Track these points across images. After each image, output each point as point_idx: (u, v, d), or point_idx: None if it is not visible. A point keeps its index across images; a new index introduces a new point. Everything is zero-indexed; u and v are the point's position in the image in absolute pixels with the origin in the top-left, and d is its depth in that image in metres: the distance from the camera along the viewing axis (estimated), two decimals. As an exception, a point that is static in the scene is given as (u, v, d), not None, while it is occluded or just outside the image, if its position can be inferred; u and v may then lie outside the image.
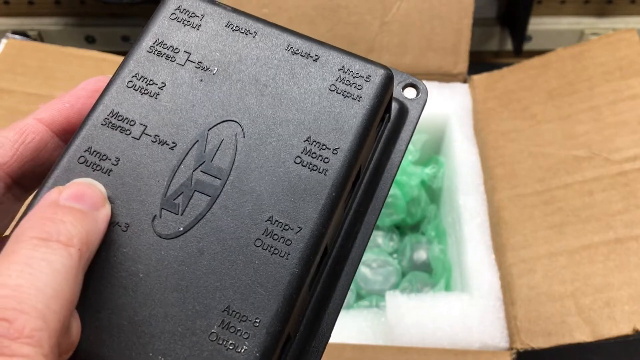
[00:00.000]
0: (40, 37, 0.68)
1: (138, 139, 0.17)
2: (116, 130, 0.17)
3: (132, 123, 0.17)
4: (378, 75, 0.18)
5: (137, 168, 0.17)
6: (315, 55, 0.18)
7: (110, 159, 0.17)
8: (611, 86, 0.40)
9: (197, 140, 0.17)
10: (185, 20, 0.18)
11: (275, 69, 0.18)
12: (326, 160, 0.17)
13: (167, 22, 0.18)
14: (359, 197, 0.19)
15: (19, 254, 0.13)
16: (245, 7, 0.45)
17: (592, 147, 0.38)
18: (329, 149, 0.17)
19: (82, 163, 0.17)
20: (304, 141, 0.17)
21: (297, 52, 0.18)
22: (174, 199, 0.16)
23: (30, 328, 0.12)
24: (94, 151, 0.17)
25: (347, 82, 0.18)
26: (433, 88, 0.45)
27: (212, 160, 0.17)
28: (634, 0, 0.65)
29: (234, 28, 0.18)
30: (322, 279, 0.18)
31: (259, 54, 0.18)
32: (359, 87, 0.18)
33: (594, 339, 0.32)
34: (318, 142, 0.17)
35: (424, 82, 0.49)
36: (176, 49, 0.18)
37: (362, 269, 0.43)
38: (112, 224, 0.16)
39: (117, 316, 0.15)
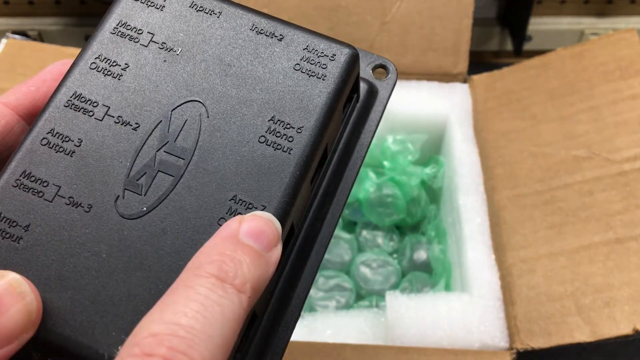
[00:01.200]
0: (41, 37, 0.68)
1: (101, 120, 0.17)
2: (79, 111, 0.17)
3: (94, 104, 0.17)
4: (343, 54, 0.18)
5: (100, 149, 0.17)
6: (280, 35, 0.18)
7: (72, 141, 0.17)
8: (611, 86, 0.40)
9: (161, 121, 0.17)
10: (149, 1, 0.18)
11: (239, 49, 0.18)
12: (290, 139, 0.17)
13: (131, 3, 0.18)
14: (327, 177, 0.19)
15: (197, 292, 0.13)
16: (245, 7, 0.45)
17: (592, 147, 0.38)
18: (293, 127, 0.17)
19: (45, 145, 0.17)
20: (269, 120, 0.17)
21: (262, 31, 0.18)
22: (137, 180, 0.16)
23: None
24: (57, 133, 0.17)
25: (312, 62, 0.18)
26: (433, 88, 0.45)
27: (175, 140, 0.17)
28: (634, 0, 0.65)
29: (198, 8, 0.18)
30: (290, 259, 0.18)
31: (223, 34, 0.18)
32: (324, 66, 0.18)
33: (594, 339, 0.32)
34: (282, 121, 0.17)
35: (424, 82, 0.49)
36: (139, 30, 0.18)
37: (362, 269, 0.43)
38: (75, 204, 0.16)
39: (80, 296, 0.15)
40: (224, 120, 0.17)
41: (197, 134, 0.17)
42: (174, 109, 0.17)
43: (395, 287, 0.42)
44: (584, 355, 0.45)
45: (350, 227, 0.47)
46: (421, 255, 0.43)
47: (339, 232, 0.45)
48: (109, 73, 0.17)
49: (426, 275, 0.43)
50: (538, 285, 0.35)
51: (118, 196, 0.16)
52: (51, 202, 0.16)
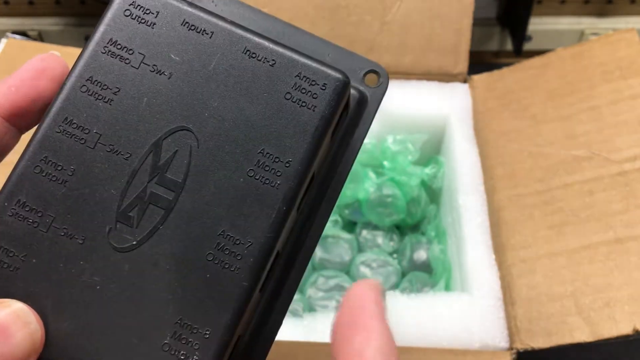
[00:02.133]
0: (41, 37, 0.68)
1: (93, 149, 0.17)
2: (71, 138, 0.17)
3: (86, 131, 0.17)
4: (333, 83, 0.17)
5: (92, 179, 0.17)
6: (272, 60, 0.17)
7: (66, 170, 0.17)
8: (611, 86, 0.40)
9: (152, 151, 0.17)
10: (140, 17, 0.18)
11: (231, 74, 0.17)
12: (278, 173, 0.17)
13: (121, 19, 0.18)
14: (313, 194, 0.19)
15: None
16: (245, 7, 0.45)
17: (592, 147, 0.38)
18: (282, 161, 0.17)
19: (38, 173, 0.16)
20: (258, 152, 0.17)
21: (254, 55, 0.17)
22: (129, 212, 0.16)
23: None
24: (50, 161, 0.17)
25: (303, 90, 0.17)
26: (433, 88, 0.45)
27: (166, 172, 0.17)
28: (634, 0, 0.65)
29: (189, 27, 0.18)
30: (272, 277, 0.18)
31: (215, 57, 0.17)
32: (315, 96, 0.17)
33: (594, 339, 0.32)
34: (271, 154, 0.17)
35: (424, 82, 0.49)
36: (130, 49, 0.17)
37: (362, 269, 0.43)
38: (69, 236, 0.16)
39: (75, 326, 0.16)
40: (214, 151, 0.17)
41: (187, 165, 0.17)
42: (165, 138, 0.17)
43: (395, 287, 0.42)
44: (584, 355, 0.45)
45: (350, 227, 0.47)
46: (421, 255, 0.43)
47: (338, 232, 0.45)
48: (100, 97, 0.17)
49: (426, 275, 0.43)
50: (538, 285, 0.35)
51: (110, 228, 0.16)
52: (46, 232, 0.16)
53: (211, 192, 0.17)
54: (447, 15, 0.45)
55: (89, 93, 0.17)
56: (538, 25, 0.67)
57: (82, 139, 0.17)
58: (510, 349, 0.34)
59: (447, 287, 0.40)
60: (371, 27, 0.46)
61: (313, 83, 0.17)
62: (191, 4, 0.18)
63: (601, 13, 0.66)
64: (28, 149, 0.17)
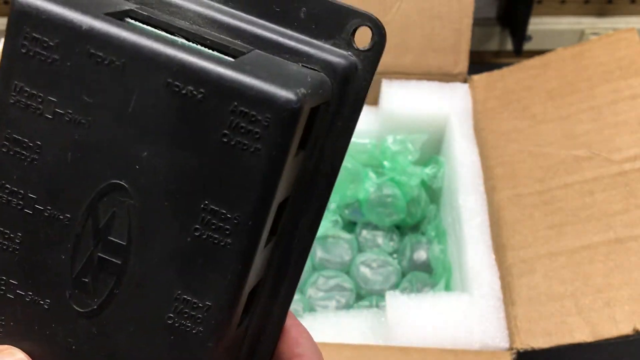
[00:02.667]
0: (41, 37, 0.68)
1: (32, 214, 0.15)
2: (9, 204, 0.15)
3: (20, 195, 0.15)
4: (279, 113, 0.13)
5: (40, 245, 0.15)
6: (200, 92, 0.14)
7: (14, 237, 0.15)
8: (611, 86, 0.40)
9: (89, 214, 0.15)
10: (39, 53, 0.14)
11: (154, 116, 0.14)
12: (227, 231, 0.14)
13: (21, 59, 0.14)
14: (291, 212, 0.17)
15: None
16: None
17: (592, 147, 0.38)
18: (230, 217, 0.14)
19: None
20: (201, 208, 0.14)
21: (178, 89, 0.14)
22: (83, 278, 0.15)
23: None
24: None
25: (242, 130, 0.14)
26: (433, 88, 0.45)
27: (109, 235, 0.15)
28: (634, 0, 0.65)
29: (98, 59, 0.14)
30: (256, 315, 0.17)
31: (133, 96, 0.14)
32: (257, 135, 0.14)
33: (594, 339, 0.32)
34: (217, 210, 0.14)
35: (425, 82, 0.49)
36: (39, 96, 0.15)
37: (362, 269, 0.43)
38: (34, 302, 0.16)
39: None
40: (153, 208, 0.15)
41: (128, 226, 0.15)
42: (99, 199, 0.15)
43: (395, 287, 0.42)
44: (584, 355, 0.45)
45: (350, 227, 0.47)
46: (421, 255, 0.43)
47: (339, 232, 0.45)
48: (24, 157, 0.15)
49: (426, 275, 0.43)
50: (538, 285, 0.35)
51: (70, 293, 0.16)
52: (14, 298, 0.16)
53: (159, 255, 0.15)
54: (447, 16, 0.45)
55: (12, 153, 0.15)
56: (538, 25, 0.67)
57: (19, 204, 0.15)
58: (510, 349, 0.34)
59: (447, 287, 0.40)
60: (371, 27, 0.46)
61: (253, 119, 0.14)
62: (100, 16, 0.14)
63: (601, 13, 0.66)
64: None
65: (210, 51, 0.15)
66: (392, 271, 0.43)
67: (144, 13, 0.15)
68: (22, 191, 0.15)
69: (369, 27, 0.15)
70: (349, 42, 0.15)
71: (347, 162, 0.45)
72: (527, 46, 0.67)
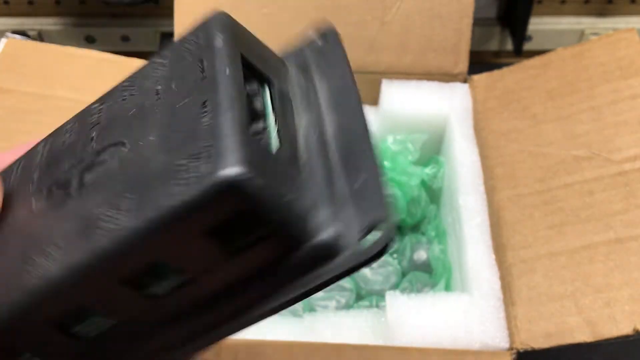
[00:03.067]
0: (40, 37, 0.68)
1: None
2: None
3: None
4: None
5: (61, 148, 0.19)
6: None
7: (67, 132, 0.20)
8: (611, 86, 0.40)
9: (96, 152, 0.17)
10: None
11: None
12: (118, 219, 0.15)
13: None
14: None
15: None
16: (245, 8, 0.45)
17: (592, 147, 0.38)
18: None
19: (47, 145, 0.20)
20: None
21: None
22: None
23: None
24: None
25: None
26: (433, 88, 0.45)
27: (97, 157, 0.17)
28: (634, 0, 0.65)
29: None
30: None
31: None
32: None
33: (594, 339, 0.32)
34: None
35: (424, 82, 0.49)
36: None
37: (362, 269, 0.43)
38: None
39: None
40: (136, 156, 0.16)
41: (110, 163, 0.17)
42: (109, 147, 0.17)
43: (395, 287, 0.42)
44: (584, 355, 0.45)
45: (350, 227, 0.47)
46: (421, 255, 0.43)
47: (339, 232, 0.45)
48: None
49: (426, 275, 0.43)
50: (538, 285, 0.35)
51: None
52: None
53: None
54: (447, 15, 0.45)
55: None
56: (538, 25, 0.67)
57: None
58: (510, 349, 0.34)
59: (447, 287, 0.40)
60: (371, 26, 0.46)
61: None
62: None
63: (601, 13, 0.66)
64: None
65: None
66: (392, 271, 0.43)
67: None
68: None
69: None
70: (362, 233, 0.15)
71: (347, 162, 0.44)
72: (527, 46, 0.67)
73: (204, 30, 0.18)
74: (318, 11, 0.45)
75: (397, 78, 0.46)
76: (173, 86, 0.16)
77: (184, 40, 0.18)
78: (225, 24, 0.17)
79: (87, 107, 0.19)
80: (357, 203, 0.15)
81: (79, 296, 0.15)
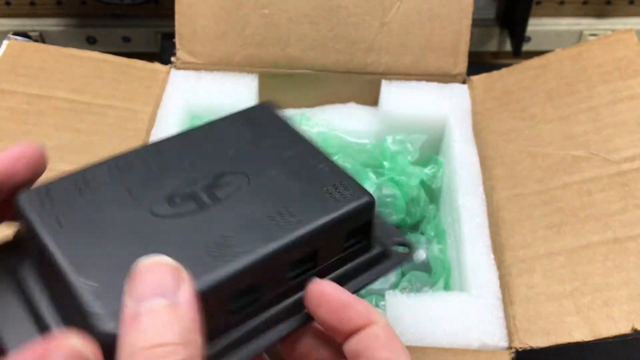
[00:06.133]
0: (42, 38, 0.68)
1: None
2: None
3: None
4: (361, 195, 0.23)
5: (169, 169, 0.23)
6: (328, 168, 0.24)
7: (158, 159, 0.23)
8: (610, 87, 0.40)
9: (217, 175, 0.22)
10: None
11: (296, 162, 0.23)
12: (288, 222, 0.21)
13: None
14: None
15: None
16: (245, 9, 0.46)
17: (591, 147, 0.38)
18: (295, 217, 0.21)
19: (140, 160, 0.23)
20: (282, 206, 0.22)
21: (316, 164, 0.23)
22: (175, 198, 0.21)
23: None
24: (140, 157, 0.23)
25: (339, 191, 0.22)
26: (432, 89, 0.46)
27: (215, 188, 0.22)
28: (632, 1, 0.65)
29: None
30: None
31: (291, 150, 0.24)
32: (344, 197, 0.22)
33: (593, 338, 0.32)
34: (291, 212, 0.21)
35: (424, 83, 0.49)
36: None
37: (362, 269, 0.43)
38: (129, 193, 0.21)
39: None
40: (254, 193, 0.22)
41: (231, 193, 0.22)
42: (229, 173, 0.22)
43: (394, 286, 0.42)
44: (583, 354, 0.45)
45: (350, 227, 0.47)
46: (420, 254, 0.44)
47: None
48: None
49: (425, 274, 0.43)
50: (537, 284, 0.35)
51: (158, 200, 0.21)
52: (121, 185, 0.22)
53: (234, 214, 0.21)
54: (447, 16, 0.45)
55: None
56: (537, 26, 0.67)
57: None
58: (509, 348, 0.34)
59: (447, 287, 0.40)
60: (371, 27, 0.46)
61: (347, 189, 0.22)
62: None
63: (600, 14, 0.66)
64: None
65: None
66: (392, 271, 0.43)
67: None
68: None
69: (407, 245, 0.25)
70: (391, 245, 0.25)
71: (347, 163, 0.45)
72: (526, 47, 0.67)
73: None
74: (318, 12, 0.46)
75: (396, 79, 0.46)
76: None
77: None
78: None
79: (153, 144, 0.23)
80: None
81: (257, 278, 0.20)
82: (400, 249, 0.24)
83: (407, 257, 0.24)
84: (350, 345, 0.19)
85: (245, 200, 0.21)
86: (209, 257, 0.19)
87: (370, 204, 0.22)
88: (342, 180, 0.22)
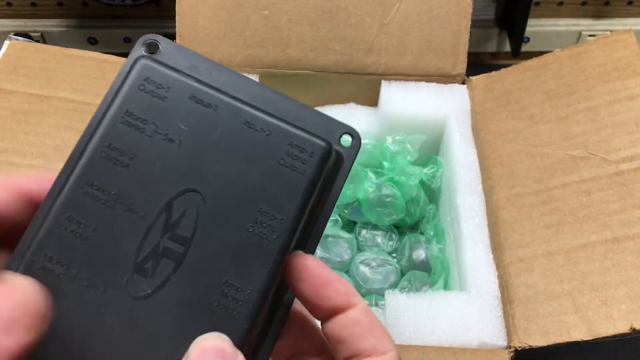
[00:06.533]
0: (43, 39, 0.68)
1: (112, 208, 0.19)
2: (93, 198, 0.19)
3: (106, 193, 0.19)
4: (319, 150, 0.20)
5: (111, 235, 0.19)
6: (268, 131, 0.20)
7: (88, 227, 0.19)
8: (608, 87, 0.40)
9: (164, 210, 0.19)
10: (153, 91, 0.20)
11: (233, 142, 0.20)
12: (274, 229, 0.19)
13: (136, 93, 0.20)
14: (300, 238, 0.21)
15: None
16: (246, 10, 0.46)
17: (589, 147, 0.38)
18: (277, 219, 0.19)
19: (63, 229, 0.18)
20: (257, 211, 0.19)
21: (253, 126, 0.20)
22: (145, 264, 0.18)
23: None
24: (73, 219, 0.18)
25: (294, 157, 0.20)
26: (432, 89, 0.46)
27: (177, 228, 0.19)
28: (631, 1, 0.65)
29: (196, 101, 0.20)
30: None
31: (219, 127, 0.20)
32: (304, 162, 0.20)
33: (591, 337, 0.32)
34: (268, 213, 0.19)
35: (423, 83, 0.49)
36: (145, 120, 0.19)
37: (362, 268, 0.43)
38: (90, 286, 0.18)
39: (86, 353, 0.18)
40: (219, 209, 0.19)
41: (195, 222, 0.19)
42: (175, 199, 0.19)
43: (394, 286, 0.42)
44: (582, 353, 0.45)
45: (350, 226, 0.47)
46: (420, 254, 0.44)
47: (338, 232, 0.45)
48: (118, 162, 0.19)
49: (425, 274, 0.43)
50: (536, 284, 0.35)
51: (128, 279, 0.18)
52: (71, 282, 0.18)
53: (217, 246, 0.19)
54: (446, 17, 0.46)
55: (109, 159, 0.19)
56: (536, 26, 0.67)
57: (102, 199, 0.19)
58: (508, 347, 0.34)
59: (446, 286, 0.41)
60: (370, 28, 0.46)
61: (302, 151, 0.20)
62: (197, 80, 0.20)
63: (598, 15, 0.67)
64: (52, 208, 0.19)
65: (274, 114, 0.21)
66: (391, 270, 0.43)
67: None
68: (107, 189, 0.19)
69: (350, 134, 0.22)
70: (337, 142, 0.22)
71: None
72: (525, 48, 0.67)
73: None
74: (317, 13, 0.46)
75: (396, 79, 0.46)
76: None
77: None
78: None
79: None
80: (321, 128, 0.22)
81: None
82: (346, 140, 0.22)
83: (356, 147, 0.22)
84: (332, 330, 0.19)
85: (214, 225, 0.19)
86: (225, 315, 0.18)
87: (329, 151, 0.20)
88: (290, 140, 0.20)
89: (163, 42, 0.21)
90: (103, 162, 0.19)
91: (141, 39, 0.21)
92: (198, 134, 0.20)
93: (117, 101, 0.20)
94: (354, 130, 0.22)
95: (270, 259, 0.19)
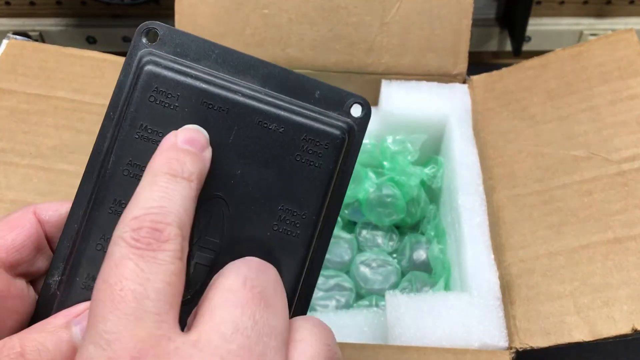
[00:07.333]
0: (42, 38, 0.68)
1: None
2: (115, 214, 0.19)
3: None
4: (333, 141, 0.21)
5: None
6: (282, 127, 0.20)
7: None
8: (610, 86, 0.40)
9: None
10: (163, 102, 0.20)
11: (248, 144, 0.20)
12: (297, 225, 0.20)
13: (147, 105, 0.20)
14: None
15: (159, 186, 0.18)
16: (245, 9, 0.46)
17: (591, 147, 0.38)
18: (299, 214, 0.20)
19: (96, 248, 0.19)
20: (279, 209, 0.20)
21: (265, 125, 0.20)
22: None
23: (174, 234, 0.17)
24: (107, 237, 0.19)
25: (310, 152, 0.20)
26: (432, 88, 0.46)
27: (205, 236, 0.20)
28: (633, 0, 0.65)
29: (208, 106, 0.20)
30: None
31: (233, 131, 0.20)
32: (319, 155, 0.20)
33: (593, 338, 0.32)
34: (289, 210, 0.20)
35: (424, 82, 0.49)
36: (160, 132, 0.20)
37: (362, 269, 0.43)
38: None
39: None
40: (243, 212, 0.20)
41: (222, 227, 0.20)
42: (200, 207, 0.19)
43: (394, 286, 0.42)
44: (583, 354, 0.45)
45: (350, 227, 0.47)
46: (421, 254, 0.44)
47: (338, 232, 0.45)
48: (140, 177, 0.19)
49: (426, 274, 0.43)
50: (537, 284, 0.35)
51: None
52: None
53: (243, 248, 0.20)
54: (447, 16, 0.45)
55: (131, 176, 0.20)
56: (537, 26, 0.67)
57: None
58: (509, 348, 0.34)
59: (447, 287, 0.40)
60: (371, 27, 0.46)
61: (317, 143, 0.20)
62: (205, 80, 0.20)
63: (600, 14, 0.66)
64: (80, 230, 0.20)
65: (284, 103, 0.21)
66: (392, 271, 0.43)
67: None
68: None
69: (360, 103, 0.22)
70: (348, 113, 0.22)
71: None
72: (526, 47, 0.67)
73: None
74: (318, 12, 0.46)
75: (396, 79, 0.46)
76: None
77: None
78: None
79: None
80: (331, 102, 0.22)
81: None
82: (355, 110, 0.23)
83: (367, 117, 0.22)
84: None
85: (240, 228, 0.20)
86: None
87: (344, 140, 0.21)
88: (304, 134, 0.20)
89: (162, 29, 0.21)
90: (126, 180, 0.20)
91: (140, 28, 0.21)
92: (214, 141, 0.20)
93: (129, 115, 0.20)
94: (364, 99, 0.22)
95: (296, 255, 0.20)
